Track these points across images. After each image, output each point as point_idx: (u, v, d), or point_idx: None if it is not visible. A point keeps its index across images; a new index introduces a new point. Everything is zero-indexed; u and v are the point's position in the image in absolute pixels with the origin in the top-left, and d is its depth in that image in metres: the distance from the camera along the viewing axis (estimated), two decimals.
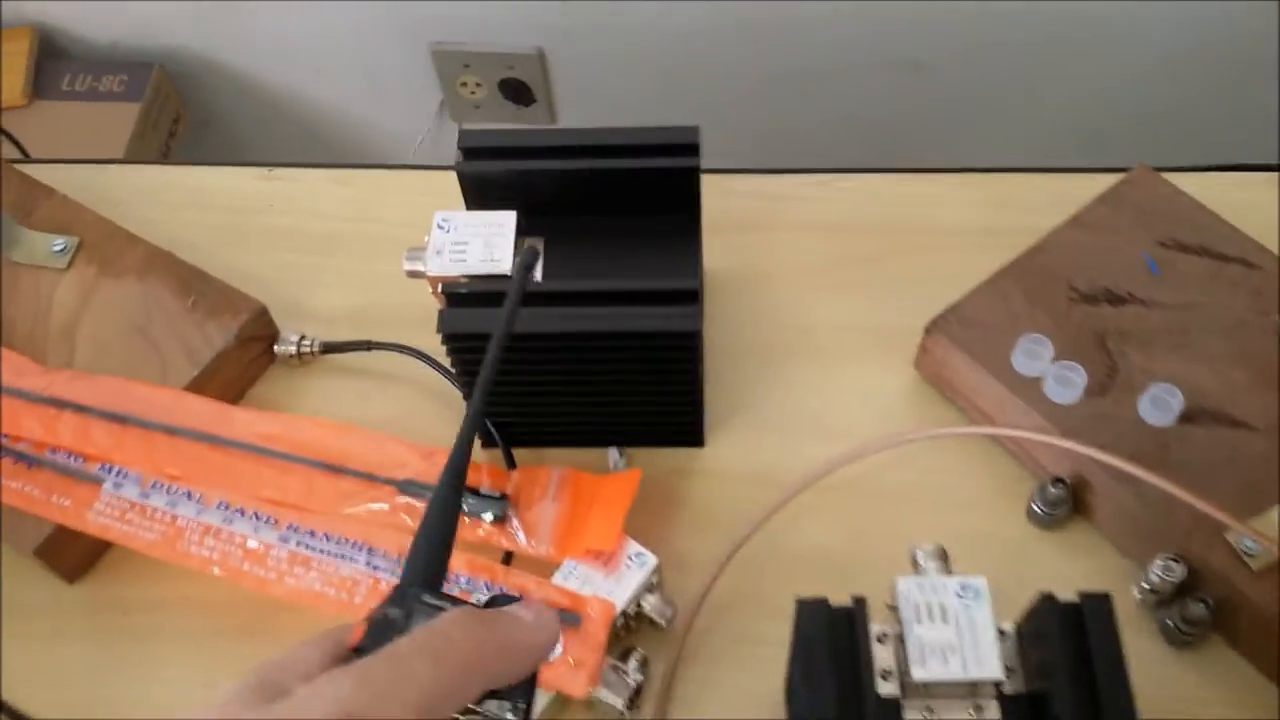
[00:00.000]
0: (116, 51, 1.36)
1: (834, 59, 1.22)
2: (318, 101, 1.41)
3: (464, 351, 0.57)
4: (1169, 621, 0.56)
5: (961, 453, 0.63)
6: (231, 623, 0.61)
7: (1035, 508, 0.59)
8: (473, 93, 1.35)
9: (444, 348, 0.58)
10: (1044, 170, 0.71)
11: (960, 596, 0.48)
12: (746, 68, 1.25)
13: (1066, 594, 0.48)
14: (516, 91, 1.34)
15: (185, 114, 1.38)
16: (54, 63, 1.34)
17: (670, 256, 0.60)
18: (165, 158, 1.33)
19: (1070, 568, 0.59)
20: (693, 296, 0.55)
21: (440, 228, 0.59)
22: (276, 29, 1.31)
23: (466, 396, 0.63)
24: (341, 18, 1.28)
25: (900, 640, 0.47)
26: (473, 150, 0.60)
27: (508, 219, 0.59)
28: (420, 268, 0.59)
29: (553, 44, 1.27)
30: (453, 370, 0.65)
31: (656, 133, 0.60)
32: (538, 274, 0.60)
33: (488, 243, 0.58)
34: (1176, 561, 0.55)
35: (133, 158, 1.26)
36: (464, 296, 0.56)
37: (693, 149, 0.59)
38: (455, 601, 0.37)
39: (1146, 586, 0.56)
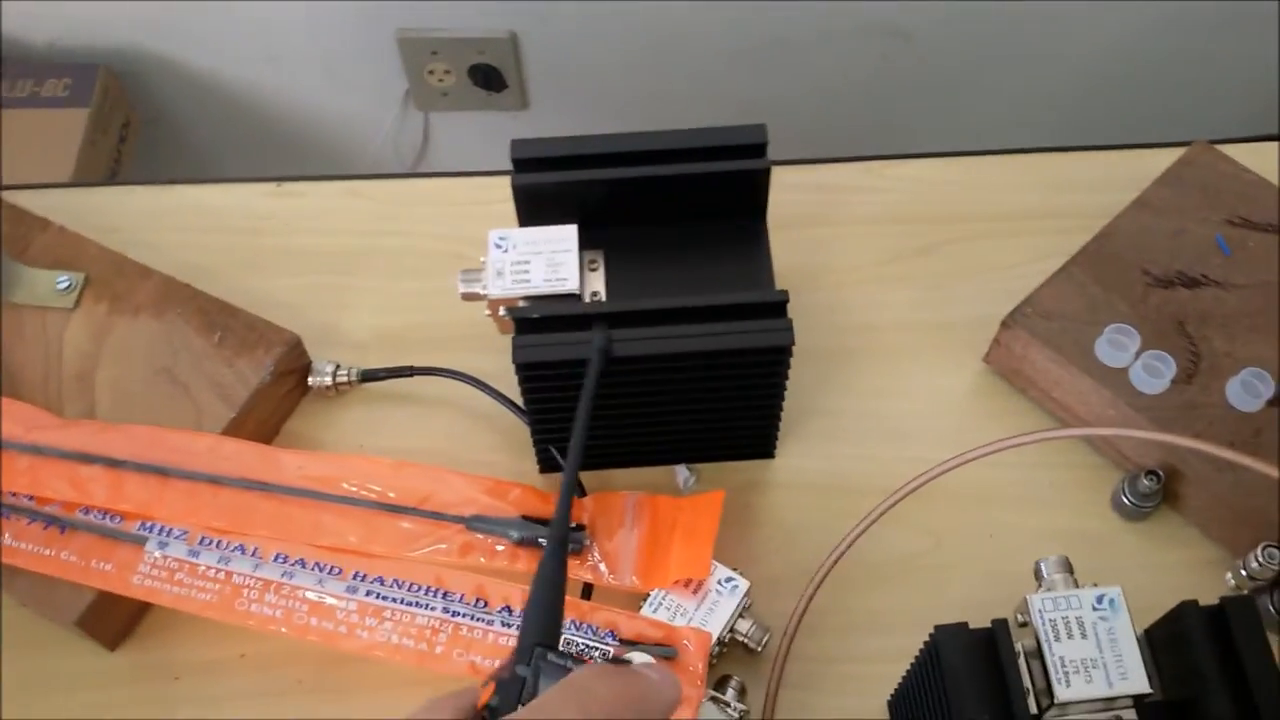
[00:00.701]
0: (55, 52, 1.28)
1: (816, 30, 1.19)
2: (274, 95, 1.35)
3: (536, 380, 0.54)
4: (1271, 608, 0.55)
5: (1038, 448, 0.61)
6: (293, 679, 0.57)
7: (1125, 500, 0.58)
8: (440, 80, 1.29)
9: (489, 370, 0.55)
10: (1094, 148, 0.70)
11: (1096, 609, 0.46)
12: (726, 41, 1.22)
13: (1166, 587, 0.48)
14: (487, 77, 1.29)
15: (135, 116, 1.31)
16: None
17: (740, 264, 0.57)
18: (118, 163, 1.26)
19: (1161, 559, 0.58)
20: (781, 308, 0.52)
21: (498, 247, 0.56)
22: (227, 20, 1.24)
23: (527, 421, 0.60)
24: (298, 5, 1.21)
25: (1035, 657, 0.46)
26: (525, 161, 0.56)
27: (569, 234, 0.56)
28: (480, 290, 0.56)
29: (526, 26, 1.23)
30: (506, 397, 0.62)
31: (720, 133, 0.56)
32: (602, 290, 0.56)
33: (550, 261, 0.55)
34: (1279, 548, 0.54)
35: (85, 166, 1.19)
36: (535, 322, 0.53)
37: (760, 149, 0.56)
38: (578, 660, 0.37)
39: (1245, 574, 0.55)
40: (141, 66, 1.29)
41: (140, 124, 1.33)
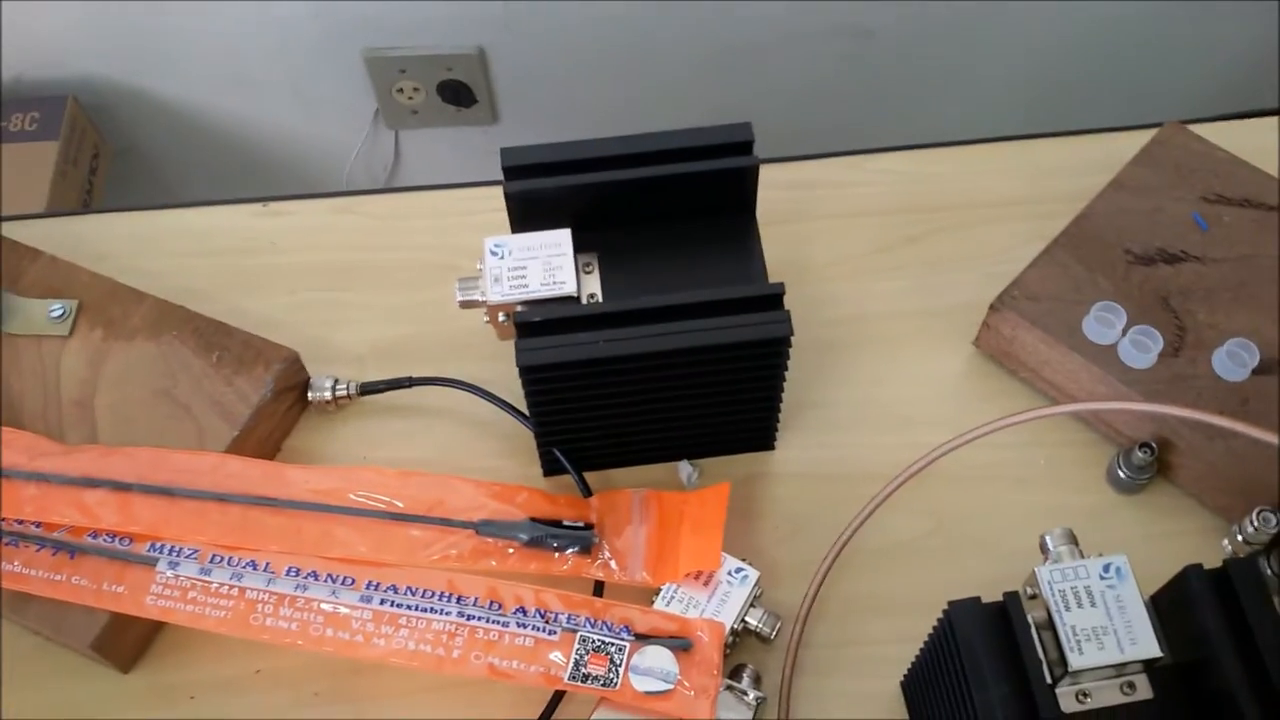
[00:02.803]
0: (21, 86, 1.27)
1: (780, 31, 1.21)
2: (243, 119, 1.34)
3: (540, 383, 0.54)
4: (1269, 570, 0.57)
5: (1032, 426, 0.62)
6: (309, 692, 0.57)
7: (1120, 473, 0.59)
8: (410, 98, 1.30)
9: (486, 378, 0.55)
10: (1068, 133, 0.71)
11: (1104, 578, 0.47)
12: (693, 48, 1.23)
13: (1165, 556, 0.49)
14: (456, 94, 1.29)
15: (105, 146, 1.31)
16: None
17: (732, 260, 0.58)
18: (90, 194, 1.26)
19: (1159, 529, 0.60)
20: (778, 301, 0.53)
21: (494, 254, 0.56)
22: (191, 45, 1.24)
23: (529, 425, 0.61)
24: (264, 29, 1.21)
25: (1045, 628, 0.47)
26: (516, 169, 0.57)
27: (563, 238, 0.57)
28: (478, 297, 0.56)
29: (493, 40, 1.24)
30: (506, 403, 0.63)
31: (707, 133, 0.57)
32: (598, 292, 0.57)
33: (547, 265, 0.56)
34: (1275, 512, 0.55)
35: (57, 198, 1.19)
36: (538, 325, 0.53)
37: (747, 146, 0.57)
38: None
39: (1241, 539, 0.56)
40: (109, 97, 1.29)
41: (112, 154, 1.32)
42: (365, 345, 0.67)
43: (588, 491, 0.60)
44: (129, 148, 1.34)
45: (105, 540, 0.56)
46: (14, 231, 0.68)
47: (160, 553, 0.56)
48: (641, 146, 0.57)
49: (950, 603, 0.47)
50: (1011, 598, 0.46)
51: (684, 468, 0.62)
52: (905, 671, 0.55)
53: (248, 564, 0.56)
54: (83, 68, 1.26)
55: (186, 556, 0.56)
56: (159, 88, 1.29)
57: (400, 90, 1.29)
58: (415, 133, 1.36)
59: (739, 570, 0.56)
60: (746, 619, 0.56)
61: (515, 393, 0.62)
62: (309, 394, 0.64)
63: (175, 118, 1.32)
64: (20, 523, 0.57)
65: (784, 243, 0.68)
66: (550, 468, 0.62)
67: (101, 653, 0.55)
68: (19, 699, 0.57)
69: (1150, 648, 0.45)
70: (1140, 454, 0.58)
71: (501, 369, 0.63)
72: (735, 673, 0.55)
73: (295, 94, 1.31)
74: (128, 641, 0.57)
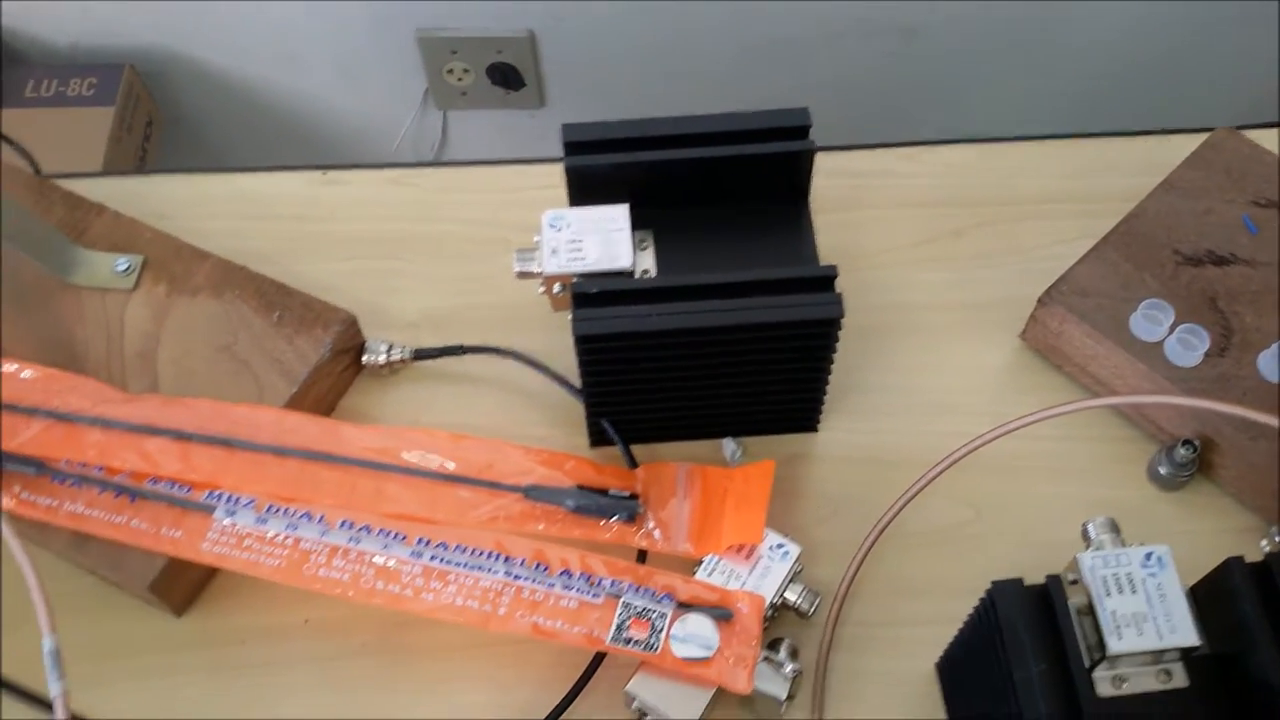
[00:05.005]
0: (77, 53, 1.30)
1: (825, 27, 1.22)
2: (294, 94, 1.36)
3: (594, 353, 0.55)
4: None
5: (1074, 420, 0.63)
6: (358, 643, 0.59)
7: (1161, 469, 0.60)
8: (459, 80, 1.31)
9: (536, 350, 0.57)
10: (1118, 134, 0.72)
11: (1145, 566, 0.48)
12: (740, 39, 1.24)
13: (1203, 554, 0.49)
14: (505, 76, 1.31)
15: (159, 114, 1.33)
16: (14, 69, 1.27)
17: (784, 243, 0.59)
18: (143, 161, 1.28)
19: (1198, 526, 0.60)
20: (830, 283, 0.54)
21: (553, 226, 0.57)
22: (248, 20, 1.26)
23: (578, 396, 0.62)
24: (319, 6, 1.23)
25: (1085, 614, 0.47)
26: (576, 144, 0.58)
27: (621, 213, 0.58)
28: (534, 268, 0.57)
29: (544, 25, 1.25)
30: (557, 374, 0.64)
31: (765, 116, 0.58)
32: (652, 268, 0.58)
33: (604, 239, 0.57)
34: None
35: (112, 163, 1.21)
36: (594, 296, 0.55)
37: (804, 131, 0.58)
38: None
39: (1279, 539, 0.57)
40: (164, 66, 1.31)
41: (164, 123, 1.34)
42: (418, 313, 0.68)
43: (634, 463, 0.61)
44: (180, 118, 1.36)
45: (165, 487, 0.58)
46: (75, 188, 0.70)
47: (218, 501, 0.58)
48: (700, 127, 0.58)
49: (994, 582, 0.48)
50: (1054, 580, 0.47)
51: (728, 445, 0.63)
52: (940, 653, 0.56)
53: (303, 515, 0.57)
54: (141, 37, 1.28)
55: (243, 506, 0.57)
56: (213, 60, 1.31)
57: (450, 71, 1.31)
58: (463, 114, 1.37)
59: (780, 546, 0.57)
60: (786, 594, 0.57)
61: (564, 365, 0.63)
62: (364, 357, 0.65)
63: (227, 90, 1.34)
64: (83, 465, 0.58)
65: (834, 230, 0.69)
66: (597, 439, 0.63)
67: (158, 595, 0.57)
68: (73, 637, 0.59)
69: (1189, 636, 0.46)
70: (1183, 450, 0.59)
71: (551, 341, 0.65)
72: (773, 645, 0.56)
73: (346, 72, 1.33)
74: (182, 586, 0.58)
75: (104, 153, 1.20)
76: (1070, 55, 1.21)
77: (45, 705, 0.56)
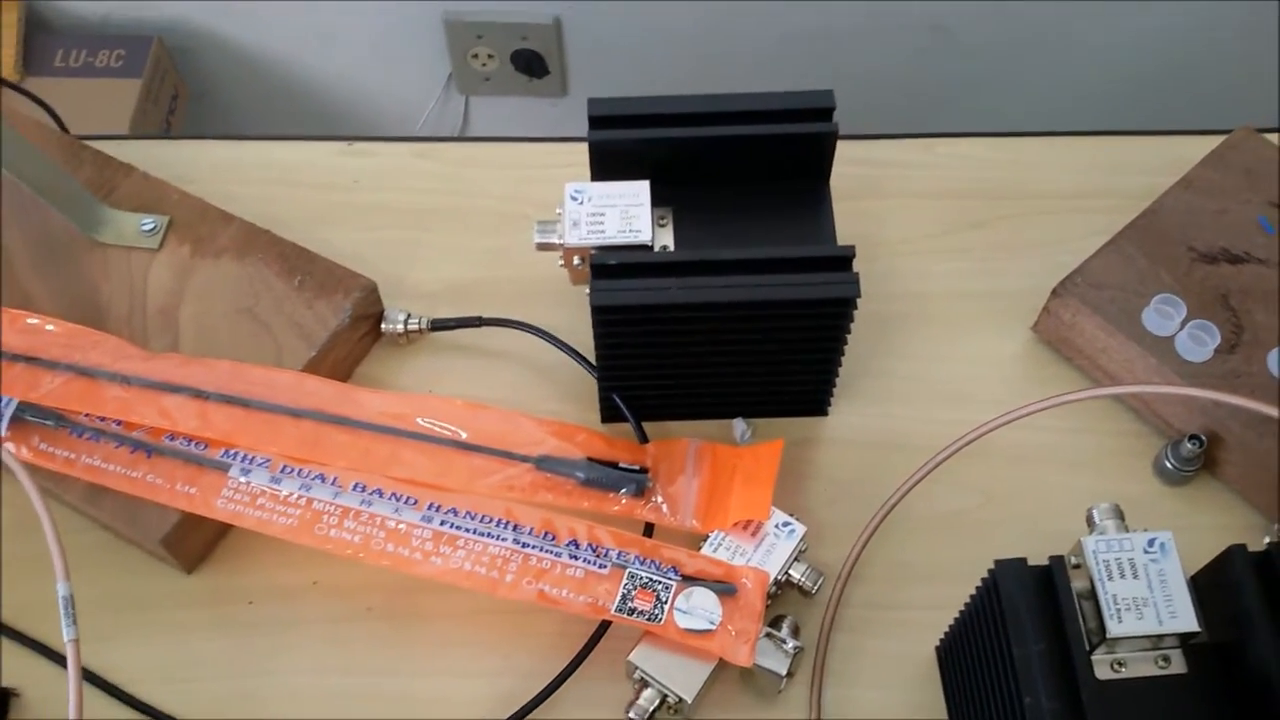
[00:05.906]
0: (108, 25, 1.31)
1: (856, 21, 1.22)
2: (319, 73, 1.37)
3: (610, 325, 0.56)
4: None
5: (1083, 413, 0.64)
6: (365, 605, 0.59)
7: (1168, 464, 0.60)
8: (484, 64, 1.32)
9: (552, 325, 0.58)
10: (1138, 133, 0.72)
11: (1148, 552, 0.48)
12: (767, 31, 1.25)
13: (1205, 548, 0.49)
14: (529, 63, 1.31)
15: (184, 88, 1.34)
16: (44, 38, 1.28)
17: (803, 224, 0.60)
18: (167, 134, 1.29)
19: (1201, 521, 0.61)
20: (847, 262, 0.55)
21: (574, 199, 0.58)
22: None
23: (591, 371, 0.63)
24: None
25: (1086, 598, 0.48)
26: (601, 119, 0.59)
27: (642, 189, 0.58)
28: (555, 240, 0.58)
29: (570, 12, 1.26)
30: (571, 348, 0.65)
31: (790, 98, 0.59)
32: (671, 245, 0.59)
33: (624, 214, 0.58)
34: None
35: (137, 135, 1.22)
36: (613, 268, 0.55)
37: (827, 113, 0.59)
38: None
39: None
40: (192, 41, 1.32)
41: (189, 96, 1.35)
42: (438, 284, 0.69)
43: (644, 438, 0.61)
44: (204, 93, 1.38)
45: (181, 443, 0.59)
46: (104, 149, 0.70)
47: (233, 459, 0.58)
48: (724, 106, 0.59)
49: (997, 561, 0.48)
50: (1057, 561, 0.48)
51: (738, 425, 0.63)
52: (940, 637, 0.57)
53: (316, 476, 0.58)
54: (168, 11, 1.30)
55: (258, 465, 0.58)
56: (240, 35, 1.32)
57: (475, 56, 1.31)
58: (485, 99, 1.38)
59: (786, 524, 0.58)
60: (790, 572, 0.57)
61: (580, 341, 0.64)
62: (382, 325, 0.66)
63: (253, 66, 1.35)
64: (102, 420, 0.59)
65: (853, 217, 0.69)
66: (608, 414, 0.64)
67: (169, 550, 0.58)
68: (84, 591, 0.60)
69: (1189, 622, 0.46)
70: (1189, 445, 0.59)
71: (568, 317, 0.66)
72: (775, 622, 0.57)
73: (373, 52, 1.34)
74: (195, 542, 0.59)
75: (129, 125, 1.22)
76: (1093, 56, 1.22)
77: (48, 654, 0.57)
